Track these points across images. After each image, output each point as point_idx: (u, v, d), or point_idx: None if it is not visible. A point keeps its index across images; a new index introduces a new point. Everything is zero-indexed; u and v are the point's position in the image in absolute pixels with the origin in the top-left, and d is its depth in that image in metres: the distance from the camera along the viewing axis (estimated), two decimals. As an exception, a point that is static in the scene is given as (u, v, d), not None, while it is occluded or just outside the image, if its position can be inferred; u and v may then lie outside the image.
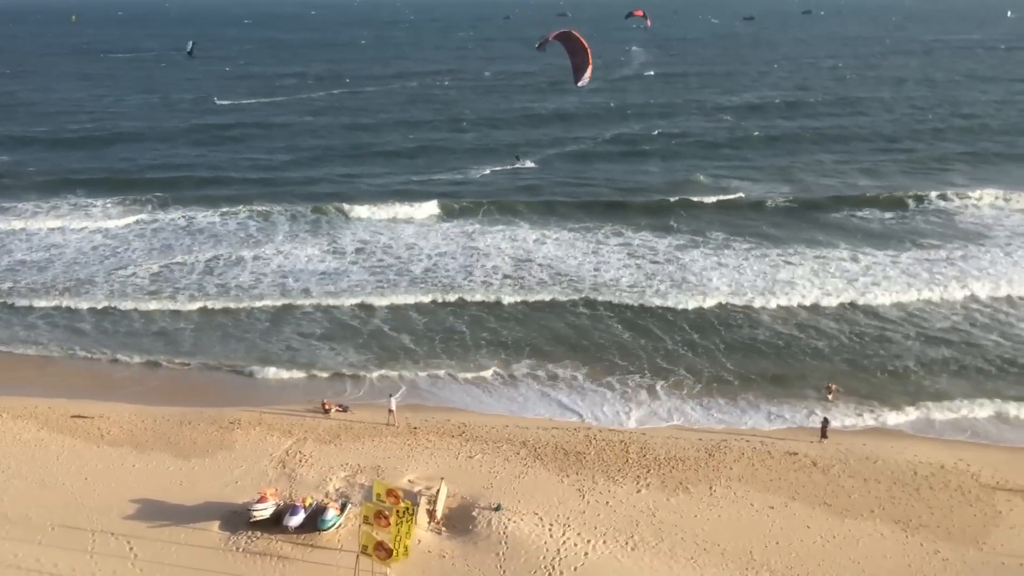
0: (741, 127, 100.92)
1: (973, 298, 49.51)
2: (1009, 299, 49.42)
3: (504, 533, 28.45)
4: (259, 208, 68.27)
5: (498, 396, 40.10)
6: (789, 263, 55.52)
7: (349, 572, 26.46)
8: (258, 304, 50.31)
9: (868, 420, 37.36)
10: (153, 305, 50.46)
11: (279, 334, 46.81)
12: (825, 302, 49.21)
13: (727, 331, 46.18)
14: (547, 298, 50.57)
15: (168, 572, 26.94)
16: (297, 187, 76.10)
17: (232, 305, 50.30)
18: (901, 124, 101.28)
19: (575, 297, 50.54)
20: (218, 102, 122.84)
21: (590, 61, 45.72)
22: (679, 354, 43.74)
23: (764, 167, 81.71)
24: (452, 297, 50.88)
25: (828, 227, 63.22)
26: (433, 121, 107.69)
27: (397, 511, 26.45)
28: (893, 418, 37.39)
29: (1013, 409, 37.85)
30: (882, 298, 49.62)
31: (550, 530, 28.73)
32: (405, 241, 61.40)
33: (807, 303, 49.17)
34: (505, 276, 54.08)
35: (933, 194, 68.95)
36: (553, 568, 26.85)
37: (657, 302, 49.43)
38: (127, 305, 50.43)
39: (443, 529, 28.99)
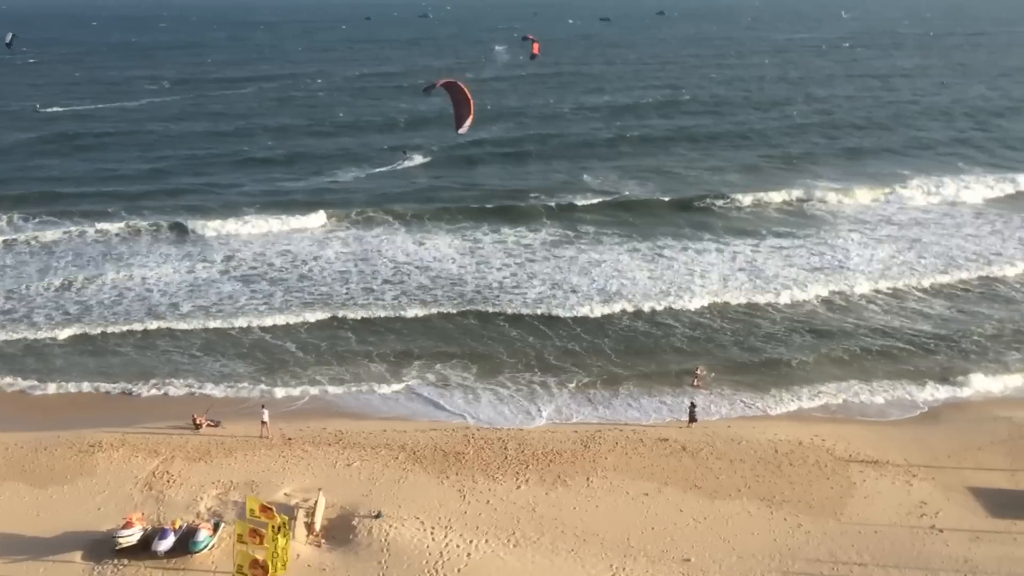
0: (615, 127, 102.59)
1: (828, 284, 52.19)
2: (854, 289, 52.10)
3: (386, 541, 28.18)
4: (116, 224, 64.14)
5: (377, 401, 39.66)
6: (661, 256, 57.62)
7: (225, 593, 25.64)
8: (120, 322, 47.68)
9: (736, 403, 39.06)
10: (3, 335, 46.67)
11: (142, 351, 44.70)
12: (697, 295, 50.67)
13: (609, 326, 47.07)
14: (428, 300, 50.27)
15: (26, 610, 25.34)
16: (158, 200, 71.56)
17: (90, 326, 47.24)
18: (767, 122, 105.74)
19: (458, 299, 50.44)
20: (52, 109, 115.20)
21: (472, 111, 48.02)
22: (566, 351, 44.31)
23: (639, 166, 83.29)
24: (330, 305, 49.65)
25: (697, 222, 65.46)
26: (303, 125, 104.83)
27: (273, 527, 25.77)
28: (758, 401, 39.23)
29: (861, 386, 40.39)
30: (747, 287, 52.00)
31: (432, 533, 28.67)
32: (278, 249, 59.55)
33: (681, 295, 50.60)
34: (386, 281, 53.37)
35: (793, 190, 72.23)
36: (436, 571, 26.77)
37: (542, 303, 49.76)
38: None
39: (322, 541, 28.43)
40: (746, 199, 70.24)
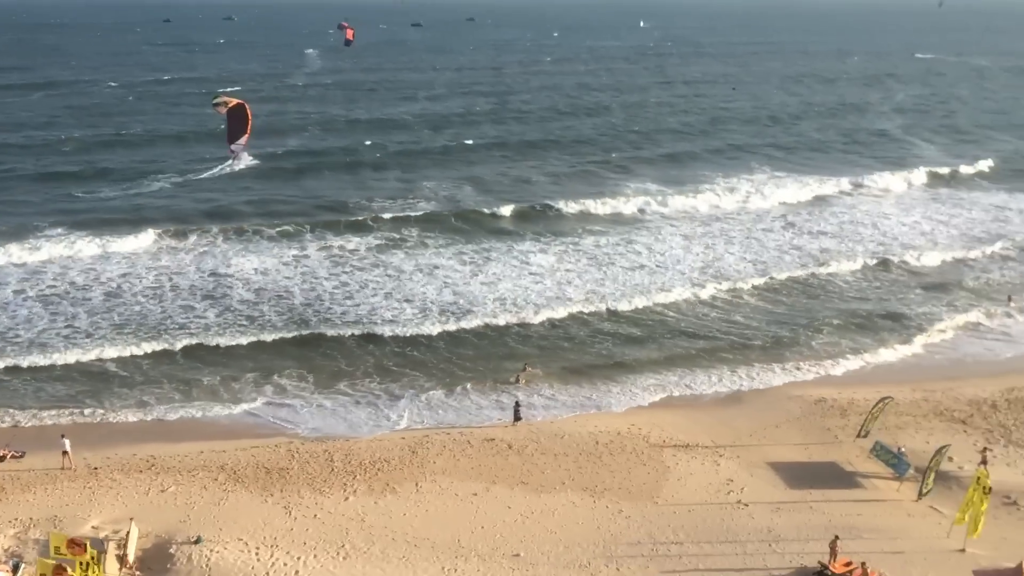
0: (445, 135, 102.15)
1: (651, 286, 54.41)
2: (675, 289, 54.48)
3: (207, 566, 26.97)
4: None
5: (192, 422, 37.71)
6: (489, 259, 58.79)
7: (26, 640, 23.67)
8: None
9: (560, 401, 40.25)
10: None
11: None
12: (532, 301, 51.44)
13: (443, 329, 47.15)
14: (256, 315, 48.40)
15: None
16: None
17: None
18: (594, 127, 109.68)
19: (285, 311, 48.98)
20: None
21: (248, 131, 52.03)
22: (401, 358, 44.11)
23: (461, 174, 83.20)
24: (144, 326, 46.61)
25: (527, 229, 66.53)
26: (102, 134, 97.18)
27: (81, 563, 24.12)
28: (582, 398, 40.56)
29: (670, 374, 42.95)
30: (577, 283, 54.22)
31: (257, 554, 27.72)
32: (82, 267, 55.24)
33: (515, 300, 51.35)
34: (206, 297, 50.87)
35: (618, 195, 75.20)
36: (263, 592, 25.99)
37: (376, 312, 49.25)
38: None
39: (137, 573, 26.82)
40: (571, 205, 71.96)
